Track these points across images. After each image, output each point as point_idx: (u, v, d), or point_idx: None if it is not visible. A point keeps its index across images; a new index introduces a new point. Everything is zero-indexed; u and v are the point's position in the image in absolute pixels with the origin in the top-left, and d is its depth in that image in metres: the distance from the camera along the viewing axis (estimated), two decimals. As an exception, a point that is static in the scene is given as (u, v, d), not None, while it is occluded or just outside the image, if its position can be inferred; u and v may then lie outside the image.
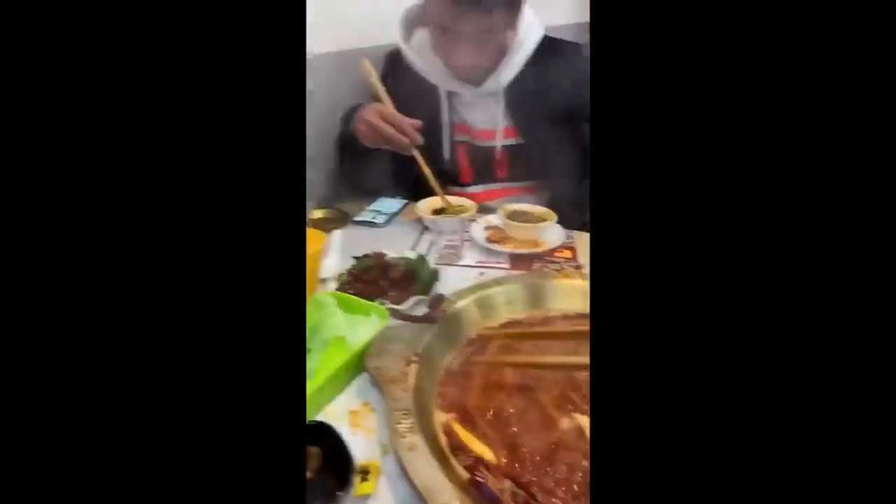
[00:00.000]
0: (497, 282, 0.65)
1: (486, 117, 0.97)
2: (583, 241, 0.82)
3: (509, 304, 0.62)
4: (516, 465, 0.40)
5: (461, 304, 0.59)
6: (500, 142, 0.97)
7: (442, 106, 0.96)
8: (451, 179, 1.04)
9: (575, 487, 0.38)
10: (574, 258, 0.77)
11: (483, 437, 0.43)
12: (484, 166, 1.01)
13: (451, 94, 0.96)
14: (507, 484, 0.38)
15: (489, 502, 0.36)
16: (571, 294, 0.63)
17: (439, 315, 0.56)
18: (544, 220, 0.81)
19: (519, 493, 0.37)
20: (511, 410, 0.46)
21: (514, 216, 0.83)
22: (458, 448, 0.42)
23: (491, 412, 0.46)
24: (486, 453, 0.41)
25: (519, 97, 0.94)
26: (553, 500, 0.37)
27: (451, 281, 0.68)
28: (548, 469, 0.39)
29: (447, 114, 0.97)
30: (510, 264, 0.76)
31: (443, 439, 0.43)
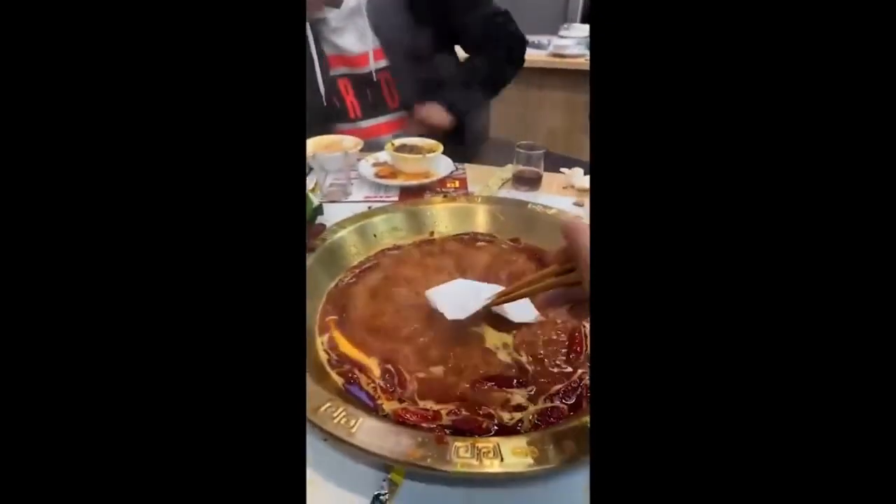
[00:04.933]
0: (380, 210, 0.64)
1: (356, 39, 0.89)
2: (473, 172, 0.83)
3: (392, 231, 0.63)
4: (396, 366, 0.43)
5: (342, 233, 0.59)
6: (373, 66, 0.91)
7: (308, 37, 0.85)
8: (339, 116, 0.96)
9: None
10: (464, 187, 0.78)
11: (362, 346, 0.45)
12: (373, 98, 0.95)
13: (316, 24, 0.86)
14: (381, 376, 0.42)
15: (362, 399, 0.40)
16: (455, 216, 0.65)
17: (317, 244, 0.56)
18: (432, 151, 0.80)
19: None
20: (392, 321, 0.48)
21: (402, 149, 0.81)
22: (340, 360, 0.44)
23: (373, 324, 0.47)
24: (364, 360, 0.44)
25: (381, 13, 0.87)
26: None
27: (337, 215, 0.63)
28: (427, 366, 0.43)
29: (315, 45, 0.87)
30: (399, 197, 0.75)
31: (324, 357, 0.45)
